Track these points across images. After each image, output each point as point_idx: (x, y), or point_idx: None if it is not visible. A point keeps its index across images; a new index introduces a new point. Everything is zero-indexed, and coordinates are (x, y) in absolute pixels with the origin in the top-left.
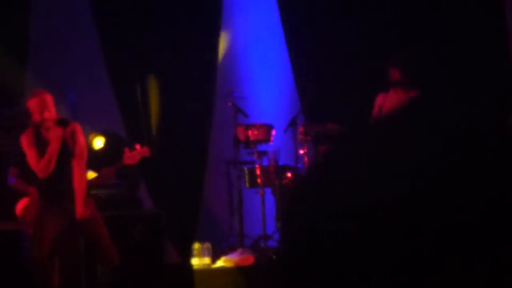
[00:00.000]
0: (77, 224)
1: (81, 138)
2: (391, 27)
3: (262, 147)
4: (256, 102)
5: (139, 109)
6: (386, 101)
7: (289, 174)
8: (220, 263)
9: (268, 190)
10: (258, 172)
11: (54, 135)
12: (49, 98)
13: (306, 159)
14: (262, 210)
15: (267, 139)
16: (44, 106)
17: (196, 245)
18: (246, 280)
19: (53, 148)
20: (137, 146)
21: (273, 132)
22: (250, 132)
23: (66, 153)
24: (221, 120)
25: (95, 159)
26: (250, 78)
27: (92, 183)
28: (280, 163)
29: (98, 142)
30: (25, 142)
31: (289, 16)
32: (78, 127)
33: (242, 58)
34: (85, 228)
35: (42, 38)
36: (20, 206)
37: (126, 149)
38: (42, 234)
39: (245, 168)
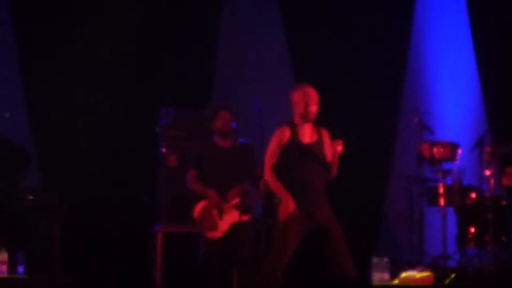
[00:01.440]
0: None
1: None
2: None
3: (446, 165)
4: (443, 119)
5: None
6: None
7: (473, 195)
8: (399, 280)
9: (451, 210)
10: (441, 190)
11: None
12: (313, 93)
13: (492, 180)
14: (443, 229)
15: (452, 158)
16: (309, 99)
17: (375, 260)
18: None
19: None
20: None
21: (459, 151)
22: (435, 149)
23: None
24: (406, 136)
25: None
26: (438, 93)
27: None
28: (464, 183)
29: None
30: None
31: (481, 32)
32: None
33: (431, 73)
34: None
35: (230, 44)
36: (198, 209)
37: None
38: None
39: (428, 186)
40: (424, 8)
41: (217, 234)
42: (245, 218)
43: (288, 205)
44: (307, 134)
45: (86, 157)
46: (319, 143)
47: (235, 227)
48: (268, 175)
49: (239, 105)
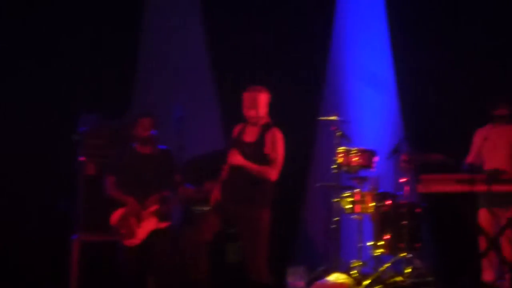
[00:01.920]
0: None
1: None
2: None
3: (363, 173)
4: (360, 127)
5: None
6: (487, 135)
7: (388, 202)
8: (314, 286)
9: (367, 217)
10: (357, 197)
11: None
12: (261, 97)
13: (407, 188)
14: (359, 237)
15: (369, 165)
16: (251, 103)
17: (291, 268)
18: None
19: None
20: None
21: (376, 159)
22: (352, 157)
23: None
24: (324, 144)
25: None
26: (355, 102)
27: (193, 196)
28: (381, 190)
29: None
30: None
31: (399, 43)
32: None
33: (348, 82)
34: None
35: (151, 52)
36: (116, 216)
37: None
38: None
39: (345, 193)
40: (343, 17)
41: (135, 241)
42: (163, 225)
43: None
44: (251, 134)
45: (2, 164)
46: (258, 143)
47: (153, 234)
48: None
49: (159, 112)
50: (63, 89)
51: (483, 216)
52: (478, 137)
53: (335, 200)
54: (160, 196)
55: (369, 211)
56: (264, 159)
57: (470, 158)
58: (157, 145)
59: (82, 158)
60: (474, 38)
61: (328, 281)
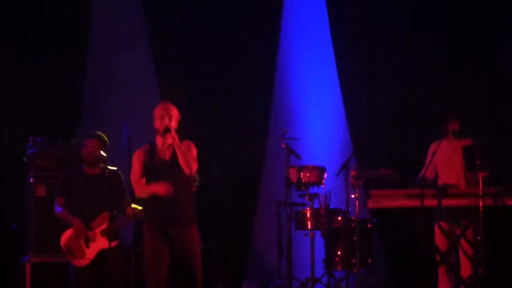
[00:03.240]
0: None
1: None
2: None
3: (313, 189)
4: (309, 144)
5: None
6: (440, 149)
7: (339, 218)
8: None
9: (318, 233)
10: (308, 214)
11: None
12: (173, 108)
13: (357, 203)
14: (312, 253)
15: (319, 182)
16: (163, 113)
17: (245, 284)
18: None
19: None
20: None
21: (325, 175)
22: (302, 174)
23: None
24: (274, 161)
25: None
26: (304, 119)
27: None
28: (331, 207)
29: None
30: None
31: (343, 59)
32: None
33: (296, 100)
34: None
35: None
36: (65, 237)
37: None
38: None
39: (296, 210)
40: (288, 33)
41: (84, 261)
42: (113, 244)
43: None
44: (165, 150)
45: None
46: (174, 158)
47: (102, 254)
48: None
49: (108, 132)
50: (11, 111)
51: (436, 231)
52: (432, 151)
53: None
54: (108, 215)
55: (320, 227)
56: None
57: (425, 172)
58: (106, 166)
59: (31, 180)
60: (425, 48)
61: None
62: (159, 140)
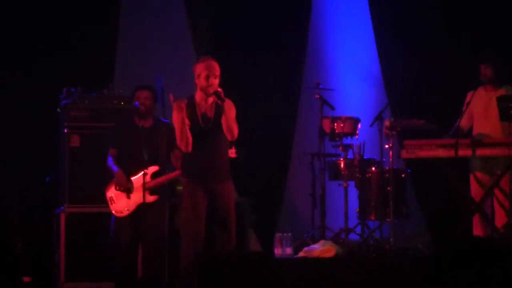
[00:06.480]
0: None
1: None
2: (481, 25)
3: (347, 140)
4: (343, 95)
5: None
6: (475, 98)
7: (373, 168)
8: (301, 254)
9: (352, 183)
10: (342, 165)
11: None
12: (215, 66)
13: (391, 153)
14: (345, 203)
15: (353, 133)
16: (210, 72)
17: (278, 235)
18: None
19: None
20: None
21: (359, 126)
22: (336, 124)
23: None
24: (307, 112)
25: None
26: (338, 70)
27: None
28: (365, 157)
29: None
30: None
31: (380, 10)
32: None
33: (330, 50)
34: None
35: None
36: (109, 187)
37: None
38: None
39: (329, 161)
40: None
41: (124, 212)
42: (152, 199)
43: None
44: (207, 108)
45: None
46: (218, 118)
47: (143, 207)
48: None
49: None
50: (44, 62)
51: (472, 181)
52: (467, 100)
53: None
54: (155, 169)
55: (354, 178)
56: None
57: (460, 122)
58: (159, 118)
59: (65, 130)
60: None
61: (315, 248)
62: (199, 96)
